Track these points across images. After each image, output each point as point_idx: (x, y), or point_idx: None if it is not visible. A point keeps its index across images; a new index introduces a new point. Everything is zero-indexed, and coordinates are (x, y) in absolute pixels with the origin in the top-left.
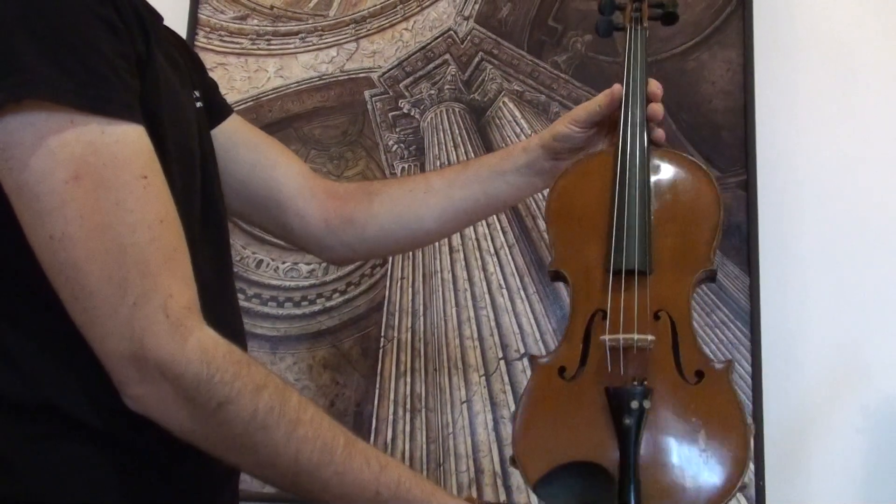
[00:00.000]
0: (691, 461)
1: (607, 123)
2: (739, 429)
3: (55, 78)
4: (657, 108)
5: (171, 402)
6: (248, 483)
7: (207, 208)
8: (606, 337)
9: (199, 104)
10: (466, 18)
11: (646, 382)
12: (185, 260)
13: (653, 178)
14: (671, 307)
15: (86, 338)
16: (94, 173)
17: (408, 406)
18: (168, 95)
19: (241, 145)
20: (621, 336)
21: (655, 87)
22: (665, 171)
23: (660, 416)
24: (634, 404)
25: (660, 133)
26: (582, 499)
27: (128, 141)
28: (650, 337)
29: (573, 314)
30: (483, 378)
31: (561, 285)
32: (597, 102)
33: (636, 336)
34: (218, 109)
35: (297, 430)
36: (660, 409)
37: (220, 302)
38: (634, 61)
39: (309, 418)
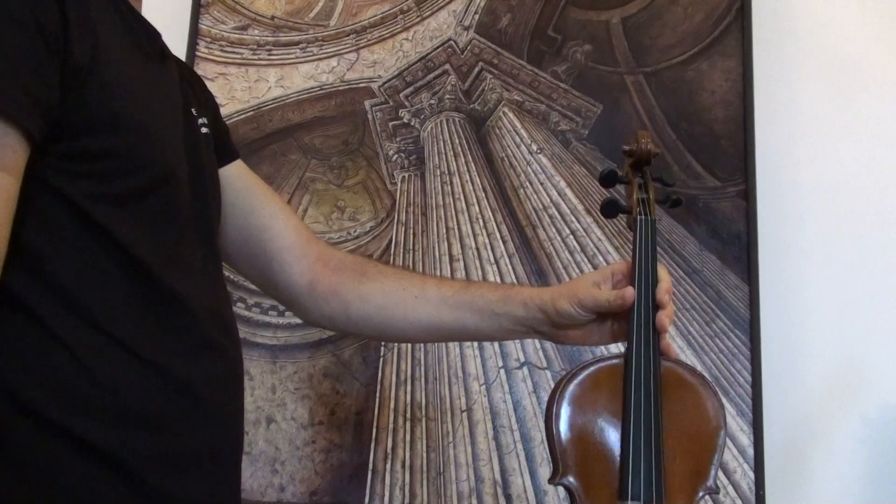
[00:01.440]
0: None
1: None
2: None
3: None
4: (665, 321)
5: None
6: (246, 492)
7: (197, 216)
8: None
9: (204, 130)
10: (466, 28)
11: None
12: None
13: (664, 401)
14: None
15: None
16: None
17: (408, 415)
18: (130, 105)
19: (241, 190)
20: None
21: (665, 290)
22: (675, 392)
23: None
24: None
25: (666, 342)
26: None
27: None
28: None
29: None
30: (483, 387)
31: None
32: (606, 298)
33: None
34: (225, 153)
35: None
36: None
37: (214, 312)
38: (644, 257)
39: None
